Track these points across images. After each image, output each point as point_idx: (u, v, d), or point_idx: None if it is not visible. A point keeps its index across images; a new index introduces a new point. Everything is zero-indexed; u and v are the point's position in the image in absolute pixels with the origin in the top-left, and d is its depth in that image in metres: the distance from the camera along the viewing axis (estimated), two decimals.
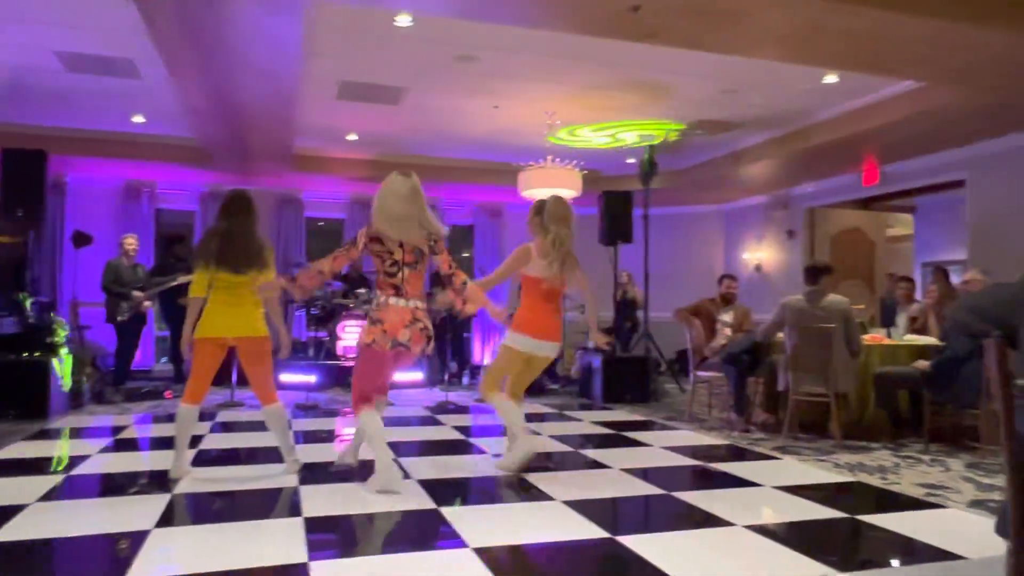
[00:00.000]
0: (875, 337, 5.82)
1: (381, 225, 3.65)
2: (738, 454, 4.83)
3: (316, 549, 2.81)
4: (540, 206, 4.32)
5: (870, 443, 5.18)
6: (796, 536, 3.08)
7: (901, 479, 4.11)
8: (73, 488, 3.78)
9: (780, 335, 5.56)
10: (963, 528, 3.21)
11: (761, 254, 10.75)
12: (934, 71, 5.58)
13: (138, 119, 8.00)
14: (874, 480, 4.09)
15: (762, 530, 3.14)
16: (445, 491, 3.76)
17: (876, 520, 3.30)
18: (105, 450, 4.75)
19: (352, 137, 8.72)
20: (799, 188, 9.94)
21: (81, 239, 7.65)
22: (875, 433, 5.39)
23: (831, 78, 6.38)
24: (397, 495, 3.56)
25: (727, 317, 6.49)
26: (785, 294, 5.82)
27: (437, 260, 3.76)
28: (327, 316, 8.68)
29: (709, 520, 3.28)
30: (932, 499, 3.68)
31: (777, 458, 4.68)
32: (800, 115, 7.61)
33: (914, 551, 2.94)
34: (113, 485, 3.93)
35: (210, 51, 5.34)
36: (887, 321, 6.62)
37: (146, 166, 9.27)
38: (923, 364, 5.15)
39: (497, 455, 4.56)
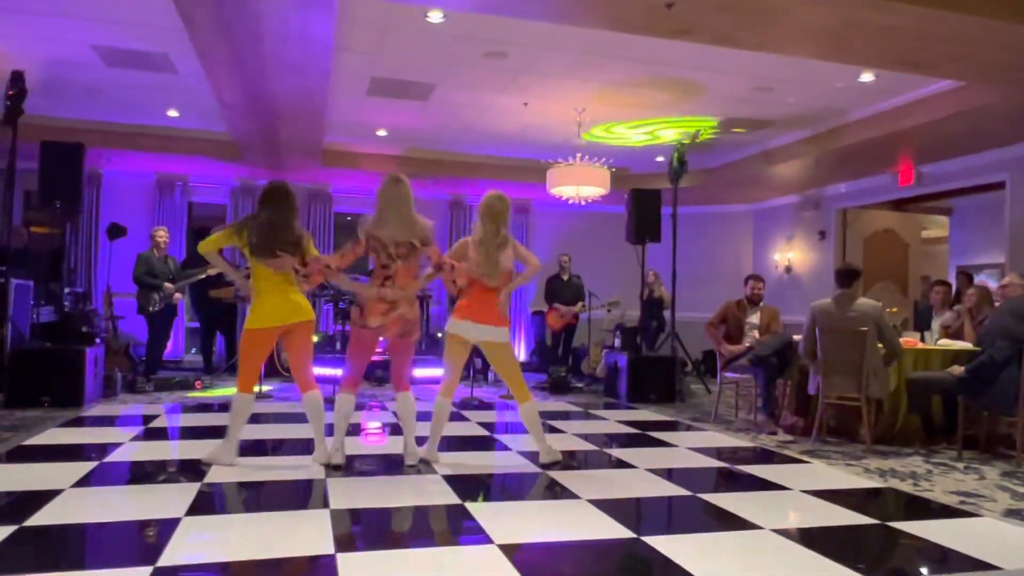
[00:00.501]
0: (908, 341, 5.70)
1: (371, 228, 3.97)
2: (766, 457, 4.78)
3: (343, 541, 2.83)
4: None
5: (901, 449, 5.09)
6: (825, 541, 3.04)
7: (934, 486, 4.03)
8: (106, 475, 3.85)
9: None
10: (998, 537, 3.14)
11: (791, 255, 10.61)
12: (974, 70, 5.45)
13: (172, 113, 8.12)
14: (905, 486, 4.02)
15: (790, 534, 3.10)
16: (470, 487, 3.77)
17: (907, 527, 3.24)
18: (137, 438, 4.84)
19: (381, 133, 8.77)
20: (831, 188, 9.79)
21: (116, 231, 7.79)
22: (907, 439, 5.30)
23: (867, 76, 6.27)
24: (421, 487, 3.57)
25: (754, 319, 6.39)
26: (815, 297, 5.74)
27: (427, 252, 4.04)
28: None
29: (736, 522, 3.24)
30: (966, 507, 3.60)
31: (806, 462, 4.61)
32: (834, 114, 7.49)
33: (947, 560, 2.88)
34: (144, 473, 4.00)
35: (243, 46, 5.40)
36: (921, 325, 6.49)
37: (179, 160, 9.41)
38: (958, 369, 5.04)
39: (523, 452, 4.56)
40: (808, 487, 3.91)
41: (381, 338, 4.17)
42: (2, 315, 6.20)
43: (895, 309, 6.67)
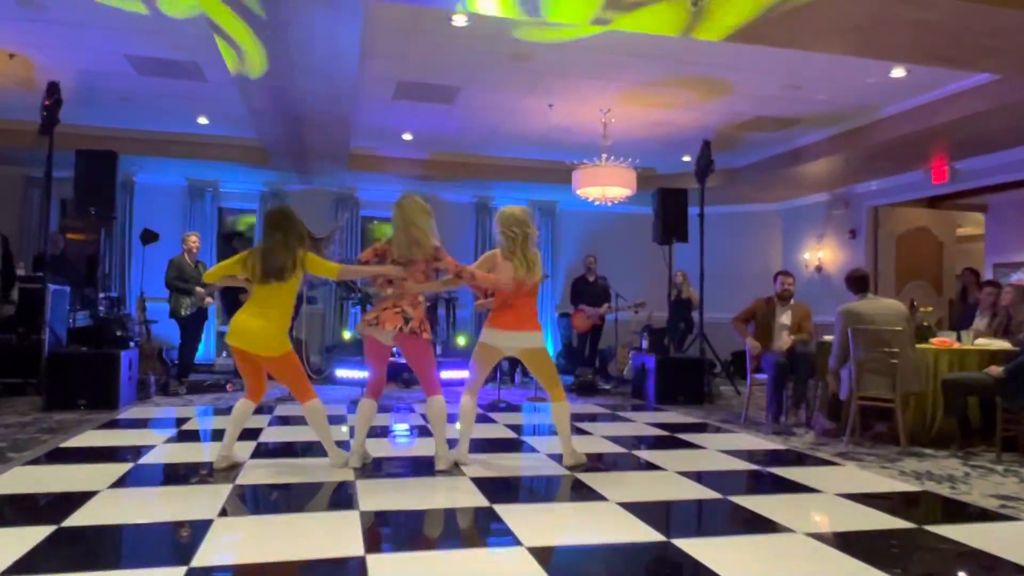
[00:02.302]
0: (944, 341, 5.58)
1: (386, 245, 4.23)
2: (798, 459, 4.71)
3: (372, 543, 2.85)
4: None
5: (937, 451, 4.98)
6: (860, 545, 2.98)
7: (972, 489, 3.94)
8: (141, 476, 3.92)
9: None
10: None
11: (822, 254, 10.45)
12: (1010, 63, 5.32)
13: (202, 120, 8.26)
14: (942, 489, 3.93)
15: (824, 538, 3.05)
16: (498, 489, 3.77)
17: (945, 531, 3.17)
18: (170, 440, 4.92)
19: (407, 136, 8.82)
20: (862, 186, 9.63)
21: (149, 236, 7.94)
22: (943, 441, 5.19)
23: (899, 72, 6.16)
24: (449, 490, 3.58)
25: (785, 318, 6.26)
26: (847, 296, 5.64)
27: (440, 266, 4.19)
28: None
29: (768, 526, 3.20)
30: (1006, 511, 3.51)
31: (839, 464, 4.54)
32: (865, 110, 7.37)
33: (987, 565, 2.81)
34: (177, 474, 4.06)
35: (271, 53, 5.46)
36: (958, 324, 6.35)
37: (209, 166, 9.56)
38: (996, 370, 4.92)
39: (551, 454, 4.55)
40: (842, 490, 3.84)
41: (388, 338, 4.06)
42: (40, 320, 6.34)
43: (930, 308, 6.53)
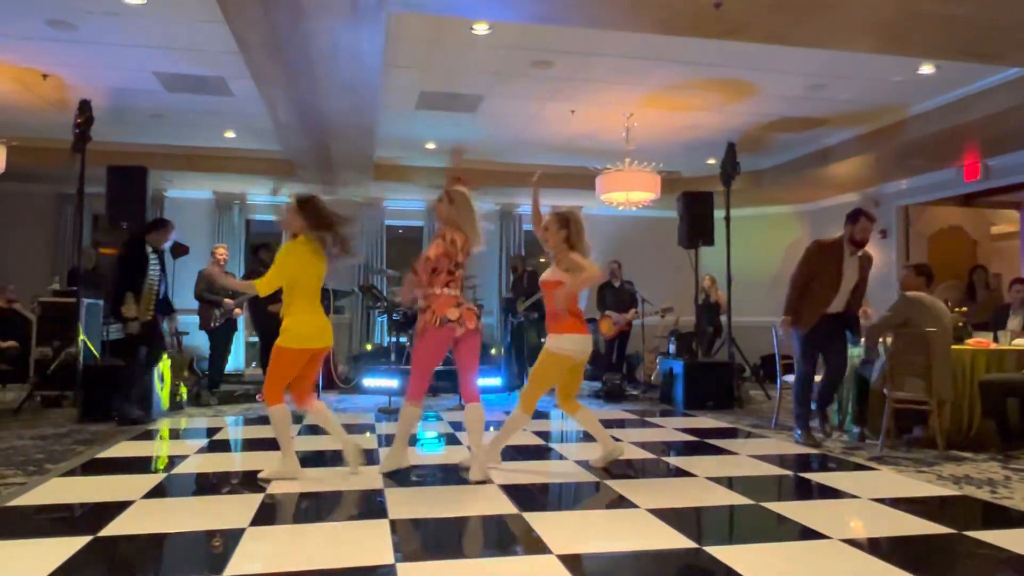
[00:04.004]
0: (981, 342, 5.46)
1: (470, 232, 4.11)
2: (831, 464, 4.63)
3: (403, 551, 2.85)
4: (566, 219, 4.27)
5: (976, 455, 4.86)
6: (897, 552, 2.92)
7: (1013, 493, 3.83)
8: (174, 486, 3.97)
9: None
10: None
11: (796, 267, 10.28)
12: None
13: (229, 134, 8.39)
14: (982, 494, 3.83)
15: (860, 544, 2.98)
16: (527, 496, 3.75)
17: (986, 537, 3.08)
18: (202, 450, 4.98)
19: (430, 146, 8.87)
20: (892, 185, 9.48)
21: (179, 250, 8.05)
22: (982, 444, 5.06)
23: (927, 68, 6.06)
24: (478, 497, 3.58)
25: (852, 272, 5.21)
26: (878, 297, 5.53)
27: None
28: (408, 321, 8.83)
29: (802, 532, 3.14)
30: None
31: (874, 469, 4.45)
32: (893, 109, 7.26)
33: None
34: (209, 484, 4.11)
35: (296, 66, 5.54)
36: (994, 325, 6.21)
37: (236, 179, 9.70)
38: None
39: (579, 461, 4.53)
40: (877, 495, 3.77)
41: (456, 335, 4.02)
42: (75, 333, 6.47)
43: (964, 309, 6.38)
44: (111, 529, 3.07)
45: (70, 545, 2.83)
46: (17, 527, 3.17)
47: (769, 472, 4.42)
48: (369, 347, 9.62)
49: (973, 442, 5.10)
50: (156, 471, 4.30)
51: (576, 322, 4.17)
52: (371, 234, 10.85)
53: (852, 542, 3.00)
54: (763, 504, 3.61)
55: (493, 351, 9.62)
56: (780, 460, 4.73)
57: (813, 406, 5.40)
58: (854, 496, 3.77)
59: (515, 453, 4.90)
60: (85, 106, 6.45)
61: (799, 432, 5.29)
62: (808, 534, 3.11)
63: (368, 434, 5.62)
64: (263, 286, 4.02)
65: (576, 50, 5.79)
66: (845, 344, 5.33)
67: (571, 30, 5.23)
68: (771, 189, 10.09)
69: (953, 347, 5.15)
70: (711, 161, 9.09)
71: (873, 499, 3.70)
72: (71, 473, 4.17)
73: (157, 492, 3.76)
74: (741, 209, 10.12)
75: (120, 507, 3.39)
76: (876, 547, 2.97)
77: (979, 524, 3.37)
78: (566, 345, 4.09)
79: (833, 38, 4.96)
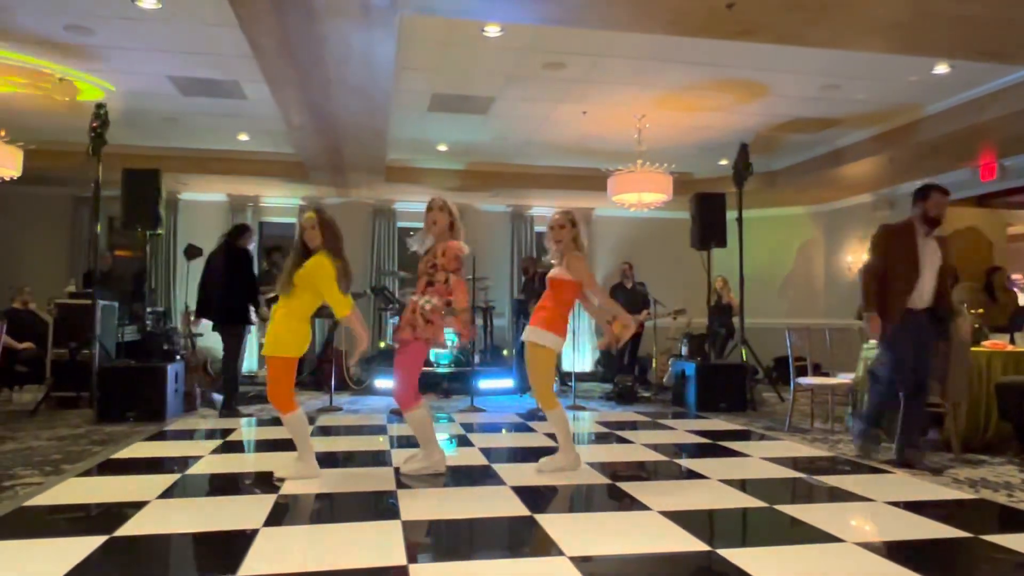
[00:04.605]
0: (997, 344, 5.41)
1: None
2: (845, 467, 4.59)
3: (415, 552, 2.86)
4: (573, 219, 4.30)
5: (993, 458, 4.81)
6: (913, 555, 2.89)
7: None
8: (188, 487, 3.99)
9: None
10: None
11: (866, 256, 10.20)
12: None
13: (243, 137, 8.44)
14: (999, 497, 3.79)
15: (875, 547, 2.96)
16: (539, 498, 3.75)
17: (1002, 540, 3.05)
18: (216, 451, 5.01)
19: (442, 147, 8.89)
20: (907, 185, 9.39)
21: (192, 252, 8.13)
22: (998, 447, 5.01)
23: (942, 68, 6.02)
24: (490, 499, 3.58)
25: (933, 255, 4.57)
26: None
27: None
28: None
29: (816, 535, 3.12)
30: None
31: (889, 472, 4.41)
32: (908, 109, 7.21)
33: None
34: (224, 484, 4.13)
35: (308, 69, 5.57)
36: (1012, 327, 6.14)
37: (250, 182, 9.76)
38: None
39: (591, 463, 4.52)
40: (892, 498, 3.74)
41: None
42: (91, 335, 6.53)
43: (981, 310, 6.32)
44: (127, 529, 3.10)
45: (86, 545, 2.85)
46: (34, 527, 3.21)
47: (782, 475, 4.39)
48: (382, 345, 9.65)
49: (989, 445, 5.05)
50: (171, 471, 4.34)
51: (563, 326, 4.25)
52: (383, 236, 10.89)
53: (867, 545, 2.97)
54: (776, 507, 3.59)
55: (505, 353, 9.62)
56: (793, 463, 4.70)
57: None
58: (869, 499, 3.74)
59: (526, 454, 4.90)
60: (101, 110, 6.51)
61: (859, 441, 4.85)
62: (822, 537, 3.09)
63: (381, 438, 5.63)
64: (345, 308, 4.01)
65: (588, 51, 5.79)
66: (931, 351, 4.59)
67: (583, 32, 5.23)
68: (784, 190, 10.04)
69: (971, 349, 5.11)
70: (723, 162, 9.06)
71: (888, 502, 3.67)
72: (87, 473, 4.21)
73: (172, 492, 3.79)
74: (754, 210, 10.09)
75: (135, 507, 3.42)
76: (891, 551, 2.95)
77: (996, 528, 3.33)
78: (549, 341, 4.17)
79: (847, 38, 4.93)
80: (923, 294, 4.53)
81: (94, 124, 6.48)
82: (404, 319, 4.11)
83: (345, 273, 4.01)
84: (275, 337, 3.93)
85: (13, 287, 8.00)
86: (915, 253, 4.52)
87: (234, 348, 6.63)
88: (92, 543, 2.88)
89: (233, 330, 6.60)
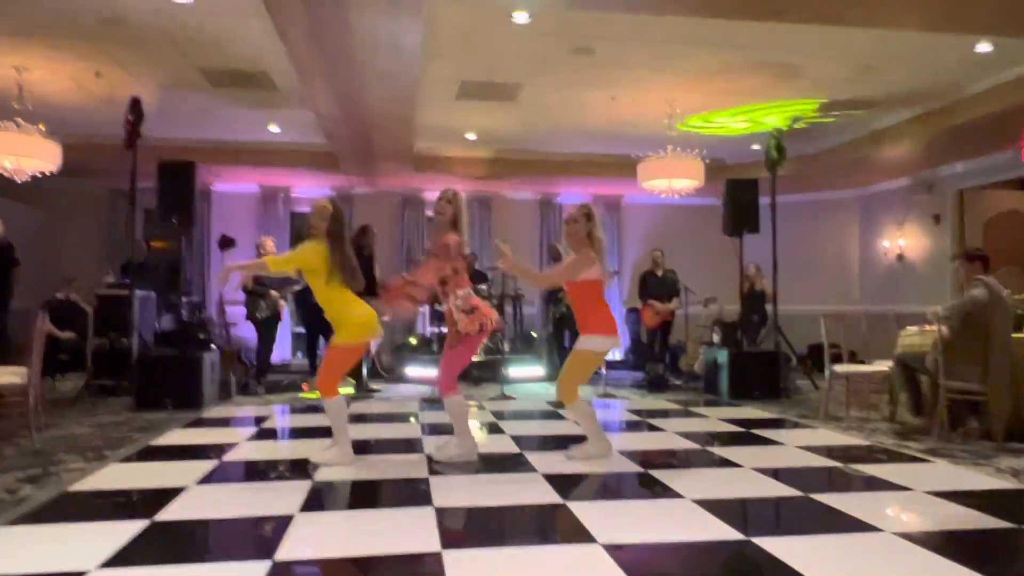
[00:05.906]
0: None
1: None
2: (883, 455, 4.51)
3: (448, 539, 2.88)
4: (589, 212, 4.35)
5: None
6: (953, 546, 2.83)
7: None
8: (225, 473, 4.07)
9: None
10: None
11: (903, 241, 10.00)
12: None
13: (273, 128, 8.52)
14: None
15: (913, 537, 2.90)
16: (571, 485, 3.75)
17: None
18: (252, 438, 5.09)
19: (471, 136, 8.88)
20: (946, 168, 9.16)
21: (226, 242, 8.23)
22: None
23: (984, 46, 5.83)
24: (521, 486, 3.59)
25: None
26: (931, 286, 5.35)
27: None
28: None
29: (852, 524, 3.07)
30: None
31: (928, 461, 4.33)
32: (948, 89, 7.02)
33: None
34: (259, 471, 4.20)
35: (336, 58, 5.59)
36: None
37: (281, 172, 9.86)
38: None
39: (623, 451, 4.51)
40: (932, 487, 3.66)
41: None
42: (129, 324, 6.67)
43: (1023, 295, 6.14)
44: (167, 514, 3.17)
45: (129, 528, 2.92)
46: (78, 511, 3.29)
47: (818, 463, 4.33)
48: (413, 341, 9.70)
49: None
50: (208, 458, 4.42)
51: (607, 324, 4.26)
52: (411, 225, 10.93)
53: (905, 535, 2.92)
54: (812, 495, 3.54)
55: (534, 335, 9.61)
56: (828, 451, 4.63)
57: None
58: (907, 488, 3.68)
59: (557, 442, 4.90)
60: (136, 103, 6.61)
61: None
62: (859, 526, 3.04)
63: (412, 419, 5.67)
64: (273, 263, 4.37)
65: (616, 37, 5.72)
66: None
67: (612, 16, 5.17)
68: (819, 175, 9.85)
69: (1012, 335, 4.98)
70: (756, 147, 8.92)
71: (927, 491, 3.60)
72: (128, 459, 4.31)
73: (210, 478, 3.86)
74: (788, 195, 9.92)
75: (174, 493, 3.49)
76: (930, 540, 2.90)
77: None
78: (596, 344, 4.26)
79: (885, 17, 4.81)
80: None
81: (129, 117, 6.57)
82: (449, 330, 4.25)
83: (342, 265, 4.11)
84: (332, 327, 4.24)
85: (67, 279, 8.18)
86: None
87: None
88: (134, 527, 2.94)
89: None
